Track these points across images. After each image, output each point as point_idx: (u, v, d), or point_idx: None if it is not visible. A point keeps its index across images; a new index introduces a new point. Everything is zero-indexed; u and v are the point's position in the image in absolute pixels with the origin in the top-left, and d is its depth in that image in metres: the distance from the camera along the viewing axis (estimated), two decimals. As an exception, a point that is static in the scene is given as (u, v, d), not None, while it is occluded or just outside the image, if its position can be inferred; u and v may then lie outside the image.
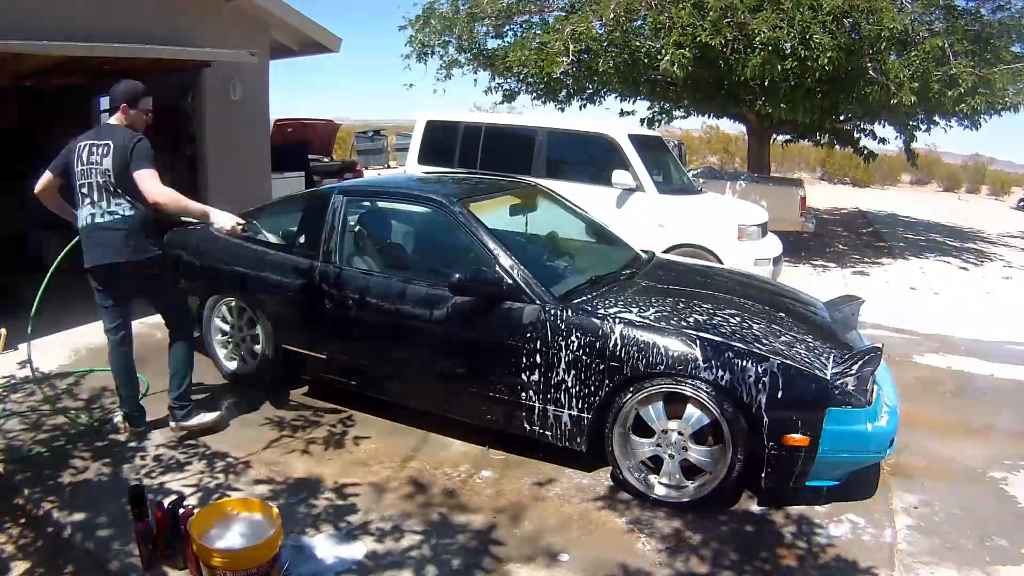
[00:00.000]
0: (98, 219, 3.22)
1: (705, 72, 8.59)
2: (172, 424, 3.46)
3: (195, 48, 5.80)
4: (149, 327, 5.02)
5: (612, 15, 8.24)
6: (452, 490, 3.05)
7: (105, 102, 9.08)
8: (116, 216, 3.20)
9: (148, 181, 3.16)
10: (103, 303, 3.39)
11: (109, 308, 3.38)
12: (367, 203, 4.02)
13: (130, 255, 3.23)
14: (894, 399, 3.15)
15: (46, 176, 3.39)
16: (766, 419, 2.77)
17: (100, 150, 3.22)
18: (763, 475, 2.88)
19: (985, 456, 3.56)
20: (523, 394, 3.13)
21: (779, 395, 2.79)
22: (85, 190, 3.23)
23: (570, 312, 3.06)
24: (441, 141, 7.60)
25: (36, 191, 3.43)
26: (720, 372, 2.81)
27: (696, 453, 2.90)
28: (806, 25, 7.37)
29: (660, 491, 2.97)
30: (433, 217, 3.61)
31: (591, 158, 7.06)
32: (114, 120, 3.35)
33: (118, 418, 3.47)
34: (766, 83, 8.03)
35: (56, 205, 3.48)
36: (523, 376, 3.13)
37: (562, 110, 11.11)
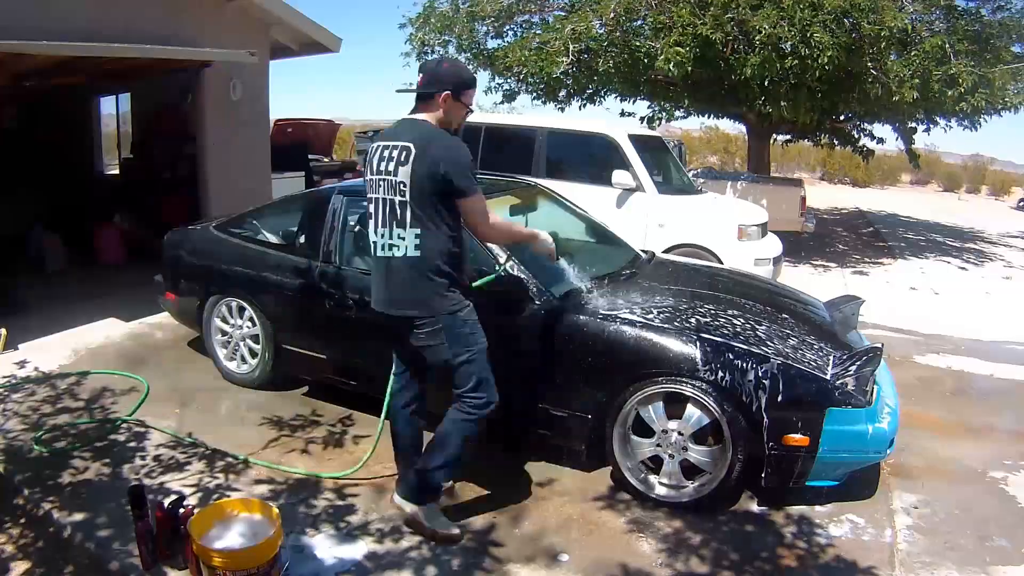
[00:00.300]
0: (381, 251, 2.50)
1: (705, 72, 8.59)
2: (398, 499, 2.72)
3: (195, 48, 5.80)
4: (150, 327, 5.03)
5: (612, 15, 8.25)
6: (452, 490, 3.05)
7: (106, 103, 9.13)
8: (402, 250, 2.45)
9: (478, 212, 2.46)
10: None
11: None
12: (367, 203, 4.01)
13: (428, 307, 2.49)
14: (894, 399, 3.15)
15: None
16: (766, 419, 2.77)
17: (395, 154, 2.43)
18: (763, 475, 2.88)
19: (985, 456, 3.56)
20: (523, 394, 3.13)
21: (779, 395, 2.79)
22: (372, 208, 2.52)
23: (570, 312, 3.06)
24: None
25: None
26: (720, 372, 2.81)
27: (696, 453, 2.90)
28: (806, 24, 7.37)
29: (660, 491, 2.97)
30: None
31: (591, 158, 7.05)
32: (424, 115, 2.51)
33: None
34: (766, 82, 8.03)
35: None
36: (523, 376, 3.12)
37: (562, 110, 11.12)
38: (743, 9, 7.72)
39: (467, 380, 2.57)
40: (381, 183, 2.46)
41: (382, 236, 2.48)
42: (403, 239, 2.43)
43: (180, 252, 4.30)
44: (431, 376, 2.74)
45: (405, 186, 2.39)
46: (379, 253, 2.51)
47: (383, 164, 2.45)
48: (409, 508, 2.67)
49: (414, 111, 2.54)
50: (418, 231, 2.41)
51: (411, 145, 2.40)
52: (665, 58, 7.58)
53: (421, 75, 2.54)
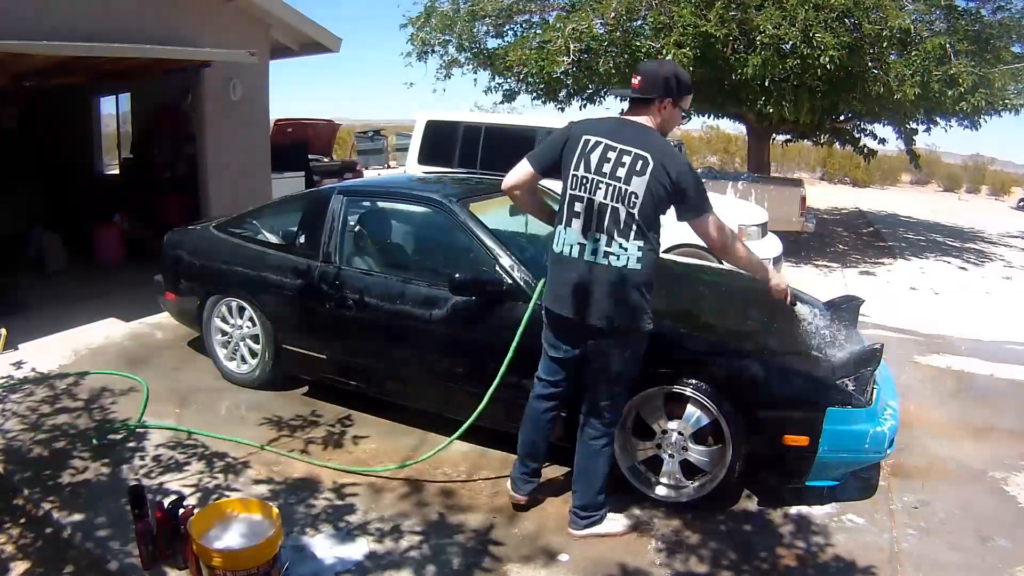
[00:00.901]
0: (590, 256, 2.42)
1: (706, 72, 8.58)
2: (571, 530, 2.73)
3: (195, 48, 5.80)
4: (150, 327, 5.03)
5: (613, 14, 8.24)
6: (451, 490, 3.05)
7: (106, 103, 9.12)
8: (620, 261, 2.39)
9: (714, 232, 2.47)
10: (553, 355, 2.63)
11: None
12: (367, 203, 4.02)
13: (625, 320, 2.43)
14: (894, 399, 3.15)
15: (525, 170, 2.58)
16: (766, 419, 2.77)
17: (628, 161, 2.35)
18: (763, 475, 2.89)
19: (985, 456, 3.56)
20: (523, 394, 3.12)
21: (779, 395, 2.79)
22: (579, 207, 2.42)
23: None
24: (441, 141, 7.60)
25: (506, 186, 2.62)
26: (720, 372, 2.81)
27: (696, 453, 2.90)
28: (809, 24, 7.37)
29: (660, 491, 2.97)
30: (433, 217, 3.61)
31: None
32: (644, 119, 2.44)
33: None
34: (767, 82, 8.03)
35: (534, 205, 2.76)
36: (523, 376, 3.12)
37: (562, 110, 11.11)
38: (747, 8, 7.71)
39: (612, 396, 2.59)
40: (603, 186, 2.36)
41: (595, 241, 2.38)
42: (625, 250, 2.37)
43: (180, 252, 4.30)
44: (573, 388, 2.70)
45: (637, 198, 2.33)
46: (587, 258, 2.41)
47: (607, 167, 2.35)
48: (591, 531, 2.69)
49: (630, 112, 2.48)
50: (641, 244, 2.37)
51: (648, 156, 2.33)
52: (669, 58, 7.58)
53: (639, 77, 2.45)
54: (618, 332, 2.44)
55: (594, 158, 2.38)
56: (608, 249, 2.37)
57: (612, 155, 2.36)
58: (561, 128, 2.57)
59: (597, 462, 2.62)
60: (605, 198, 2.36)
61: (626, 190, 2.33)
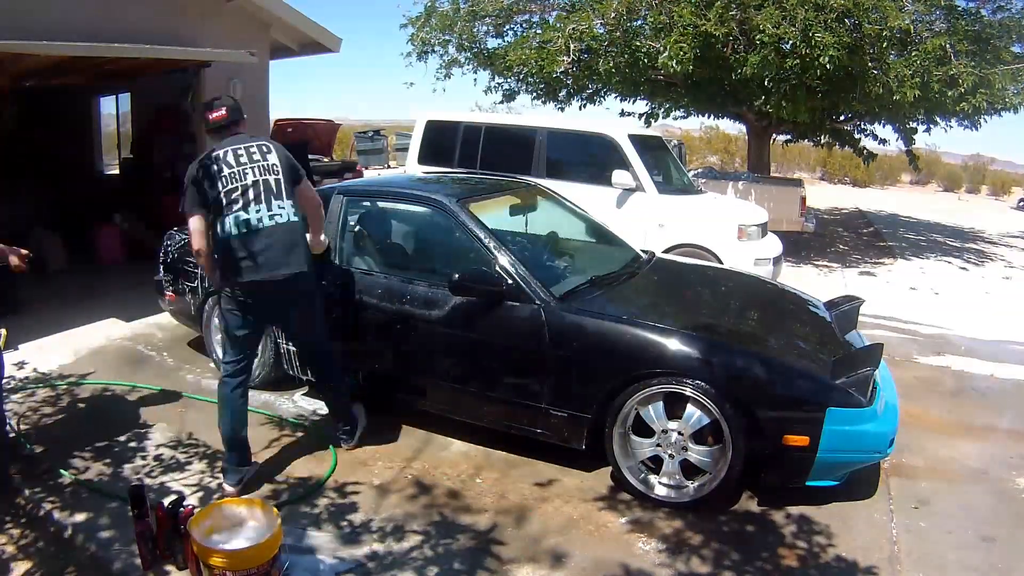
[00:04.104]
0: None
1: (706, 71, 8.59)
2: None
3: (195, 48, 5.80)
4: (150, 327, 5.03)
5: (613, 14, 8.24)
6: (453, 491, 3.05)
7: (106, 103, 9.12)
8: None
9: None
10: None
11: None
12: (367, 203, 4.02)
13: None
14: (894, 399, 3.15)
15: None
16: (766, 419, 2.77)
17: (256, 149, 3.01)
18: (763, 475, 2.89)
19: (985, 456, 3.56)
20: (523, 394, 3.13)
21: (779, 395, 2.79)
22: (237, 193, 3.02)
23: (570, 312, 3.06)
24: (441, 141, 7.60)
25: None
26: (720, 372, 2.81)
27: (696, 453, 2.90)
28: (808, 24, 7.37)
29: (660, 491, 2.97)
30: (433, 217, 3.61)
31: (591, 158, 7.05)
32: (243, 130, 3.08)
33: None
34: (767, 82, 8.03)
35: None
36: (523, 376, 3.13)
37: (562, 110, 11.12)
38: (747, 8, 7.71)
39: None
40: (251, 170, 2.93)
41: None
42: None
43: (180, 252, 4.30)
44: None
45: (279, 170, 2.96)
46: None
47: (244, 157, 2.94)
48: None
49: (234, 130, 3.01)
50: None
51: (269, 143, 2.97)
52: (670, 54, 7.57)
53: (225, 109, 3.00)
54: None
55: (232, 159, 2.86)
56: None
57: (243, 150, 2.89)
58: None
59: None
60: (256, 175, 2.86)
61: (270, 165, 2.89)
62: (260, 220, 2.82)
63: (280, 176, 2.89)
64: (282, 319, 3.18)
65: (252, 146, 2.90)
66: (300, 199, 2.98)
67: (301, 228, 2.96)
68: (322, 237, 3.29)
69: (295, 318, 3.10)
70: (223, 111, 2.93)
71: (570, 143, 7.26)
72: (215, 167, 2.83)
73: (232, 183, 2.82)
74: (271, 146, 2.95)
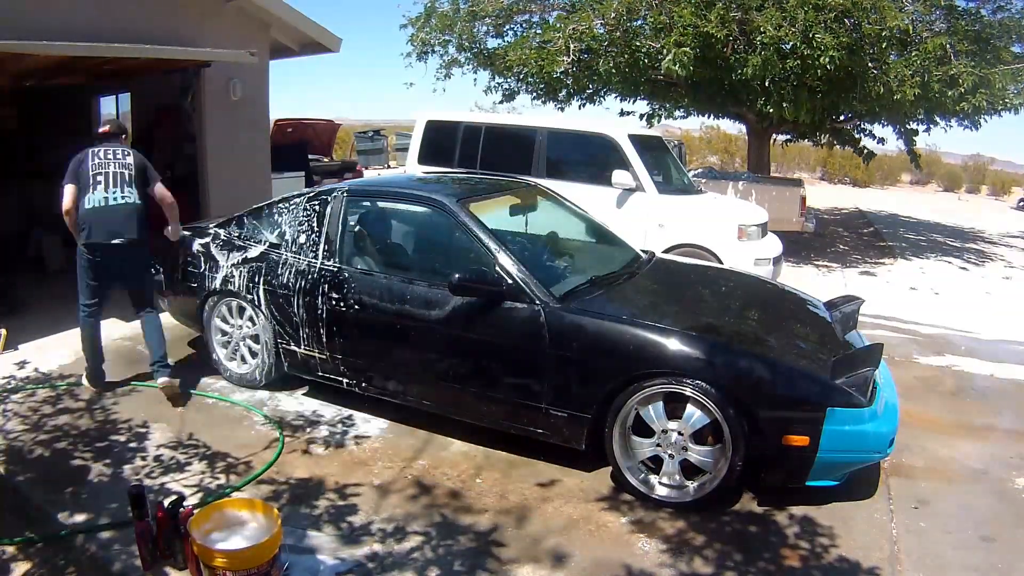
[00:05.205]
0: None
1: (706, 72, 8.59)
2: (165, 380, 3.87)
3: (195, 48, 5.79)
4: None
5: (614, 14, 8.24)
6: (454, 491, 3.05)
7: (106, 103, 9.11)
8: None
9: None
10: None
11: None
12: (367, 203, 4.02)
13: None
14: (894, 399, 3.15)
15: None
16: (766, 419, 2.77)
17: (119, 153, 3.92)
18: (763, 475, 2.89)
19: (985, 456, 3.56)
20: (523, 394, 3.13)
21: (779, 395, 2.79)
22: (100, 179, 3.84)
23: (570, 312, 3.06)
24: (441, 141, 7.60)
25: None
26: (720, 372, 2.81)
27: (696, 453, 2.90)
28: (809, 24, 7.37)
29: (661, 491, 2.97)
30: (433, 217, 3.61)
31: (591, 158, 7.05)
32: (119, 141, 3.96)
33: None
34: (767, 82, 8.03)
35: None
36: (523, 376, 3.12)
37: (562, 110, 11.11)
38: (747, 8, 7.71)
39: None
40: (111, 164, 3.83)
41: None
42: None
43: (180, 252, 4.30)
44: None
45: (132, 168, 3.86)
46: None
47: (110, 156, 3.87)
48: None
49: (112, 141, 3.92)
50: None
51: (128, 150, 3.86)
52: (673, 59, 7.56)
53: (109, 125, 4.04)
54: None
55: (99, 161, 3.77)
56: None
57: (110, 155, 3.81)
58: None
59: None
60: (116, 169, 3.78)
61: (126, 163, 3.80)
62: (115, 198, 3.73)
63: (132, 172, 3.80)
64: (120, 271, 3.90)
65: (119, 150, 3.83)
66: (156, 197, 3.88)
67: (142, 210, 3.82)
68: (178, 227, 4.09)
69: (128, 272, 3.92)
70: (107, 127, 3.97)
71: (570, 143, 7.26)
72: (90, 158, 3.77)
73: (98, 170, 3.74)
74: (132, 153, 3.88)
